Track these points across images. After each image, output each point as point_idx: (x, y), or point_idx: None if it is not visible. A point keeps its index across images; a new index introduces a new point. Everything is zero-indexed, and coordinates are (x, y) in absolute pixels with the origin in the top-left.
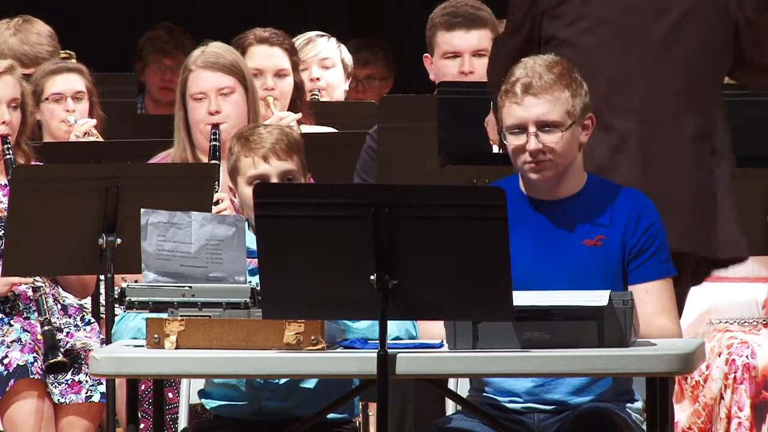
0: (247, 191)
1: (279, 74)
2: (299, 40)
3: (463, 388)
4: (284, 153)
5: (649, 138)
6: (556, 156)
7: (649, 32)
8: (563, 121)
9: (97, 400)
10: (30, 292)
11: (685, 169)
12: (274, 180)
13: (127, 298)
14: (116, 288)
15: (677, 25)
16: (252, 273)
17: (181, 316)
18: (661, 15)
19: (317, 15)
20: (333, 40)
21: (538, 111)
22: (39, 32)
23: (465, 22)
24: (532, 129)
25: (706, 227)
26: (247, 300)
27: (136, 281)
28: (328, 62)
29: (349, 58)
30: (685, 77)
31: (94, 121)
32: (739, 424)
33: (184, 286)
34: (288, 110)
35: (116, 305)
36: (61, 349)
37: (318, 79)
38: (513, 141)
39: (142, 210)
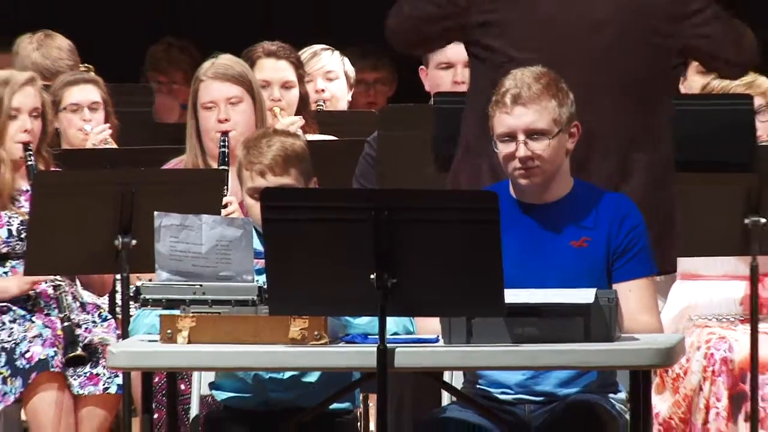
0: (248, 200)
1: (285, 86)
2: (305, 54)
3: (457, 380)
4: (280, 168)
5: (588, 154)
6: (544, 162)
7: (583, 54)
8: (550, 129)
9: (113, 392)
10: (51, 291)
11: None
12: None
13: (141, 296)
14: (131, 286)
15: (611, 47)
16: (258, 272)
17: (192, 313)
18: (595, 37)
19: (322, 24)
20: (337, 53)
21: (526, 120)
22: (60, 47)
23: None
24: (521, 137)
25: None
26: (255, 298)
27: (150, 280)
28: (332, 75)
29: (351, 71)
30: (622, 95)
31: (109, 130)
32: (717, 414)
33: (195, 285)
34: None
35: (131, 302)
36: (80, 344)
37: (323, 90)
38: (503, 149)
39: (155, 213)
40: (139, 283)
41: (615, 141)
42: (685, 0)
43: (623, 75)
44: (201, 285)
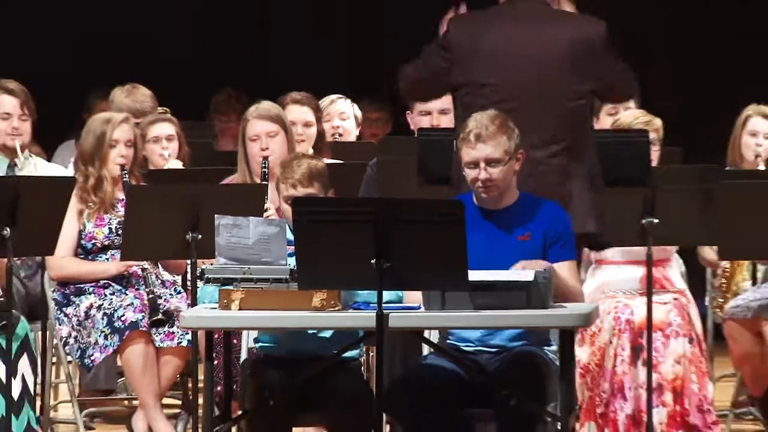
0: (284, 205)
1: (306, 125)
2: (325, 101)
3: (434, 337)
4: (307, 182)
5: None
6: (499, 182)
7: (523, 94)
8: (503, 158)
9: (185, 345)
10: (139, 271)
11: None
12: None
13: (206, 276)
14: (198, 269)
15: (552, 80)
16: (289, 256)
17: (242, 288)
18: (537, 70)
19: (342, 79)
20: (348, 101)
21: (486, 152)
22: (144, 94)
23: None
24: (482, 164)
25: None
26: (287, 277)
27: (212, 264)
28: (344, 116)
29: (359, 113)
30: (553, 124)
31: (180, 165)
32: (622, 360)
33: (244, 267)
34: (313, 148)
35: (198, 280)
36: (161, 310)
37: (338, 127)
38: (470, 173)
39: (216, 215)
40: (204, 267)
41: (550, 149)
42: (598, 48)
43: (560, 102)
44: (249, 267)
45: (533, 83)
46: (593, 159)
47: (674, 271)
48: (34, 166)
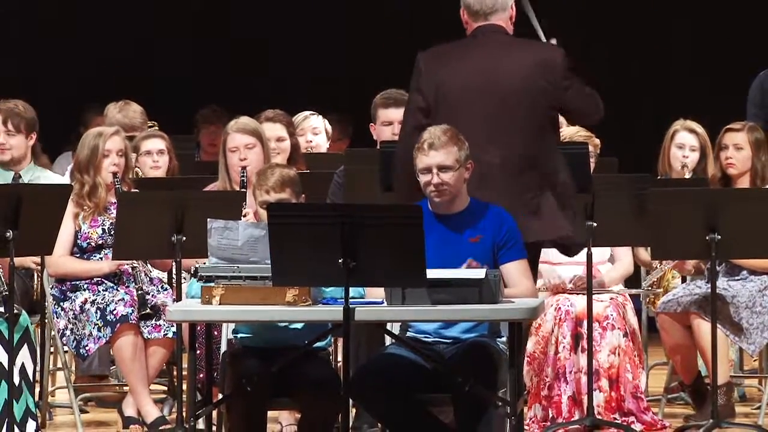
0: (260, 210)
1: (279, 140)
2: (299, 117)
3: (395, 329)
4: (279, 188)
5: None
6: (450, 187)
7: (489, 114)
8: (454, 165)
9: (171, 336)
10: (130, 270)
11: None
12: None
13: (199, 273)
14: (192, 267)
15: (507, 115)
16: None
17: (222, 284)
18: (503, 98)
19: (316, 99)
20: (320, 117)
21: (438, 159)
22: (135, 110)
23: (395, 103)
24: (435, 170)
25: (531, 223)
26: (262, 275)
27: (204, 263)
28: (317, 130)
29: (329, 128)
30: (523, 134)
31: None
32: (564, 347)
33: (233, 266)
34: (288, 160)
35: (193, 277)
36: (149, 305)
37: (311, 141)
38: (423, 178)
39: (208, 219)
40: (197, 265)
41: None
42: (556, 70)
43: (525, 121)
44: (238, 266)
45: (498, 106)
46: (562, 169)
47: (608, 272)
48: (37, 177)
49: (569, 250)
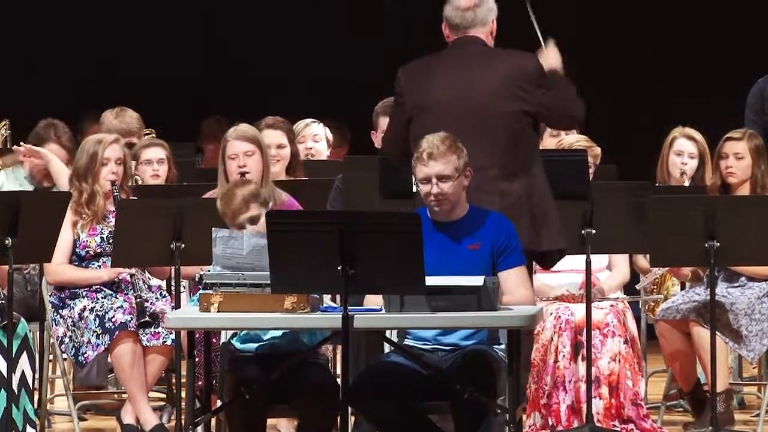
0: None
1: (279, 147)
2: (300, 124)
3: (394, 336)
4: (244, 208)
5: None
6: (449, 196)
7: (465, 124)
8: (453, 174)
9: (169, 344)
10: (128, 277)
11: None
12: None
13: (204, 281)
14: (195, 275)
15: (493, 111)
16: None
17: (224, 292)
18: (478, 110)
19: (313, 108)
20: (321, 124)
21: (437, 169)
22: (131, 116)
23: None
24: (434, 180)
25: (530, 233)
26: (262, 282)
27: (209, 270)
28: (317, 138)
29: (330, 135)
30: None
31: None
32: (564, 356)
33: (238, 273)
34: (287, 168)
35: (197, 284)
36: (148, 313)
37: (311, 148)
38: (423, 188)
39: (213, 228)
40: (201, 273)
41: (496, 174)
42: (531, 76)
43: (502, 129)
44: (243, 274)
45: (471, 117)
46: (541, 179)
47: (606, 279)
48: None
49: (545, 261)
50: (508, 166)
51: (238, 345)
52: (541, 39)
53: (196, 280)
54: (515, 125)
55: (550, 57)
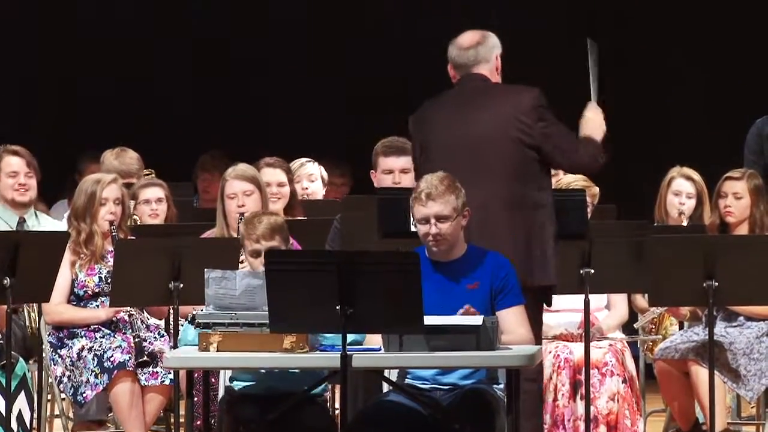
0: (250, 258)
1: (279, 185)
2: (296, 163)
3: (393, 375)
4: (269, 236)
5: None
6: (448, 236)
7: (468, 157)
8: (451, 215)
9: (168, 383)
10: (126, 317)
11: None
12: (262, 252)
13: (196, 320)
14: (189, 314)
15: (485, 152)
16: None
17: (219, 331)
18: (474, 148)
19: (312, 146)
20: (316, 164)
21: (436, 210)
22: (131, 157)
23: (396, 151)
24: (432, 221)
25: (527, 266)
26: (260, 321)
27: (201, 310)
28: (313, 177)
29: (325, 175)
30: (499, 182)
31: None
32: (563, 394)
33: (231, 313)
34: (286, 207)
35: (191, 324)
36: (146, 352)
37: (307, 188)
38: (421, 228)
39: (205, 270)
40: (194, 312)
41: (502, 204)
42: (532, 114)
43: (504, 165)
44: (236, 313)
45: (471, 156)
46: (546, 215)
47: (605, 319)
48: (40, 222)
49: (547, 297)
50: (511, 199)
51: (235, 384)
52: (593, 93)
53: (188, 320)
54: (515, 157)
55: (588, 124)
